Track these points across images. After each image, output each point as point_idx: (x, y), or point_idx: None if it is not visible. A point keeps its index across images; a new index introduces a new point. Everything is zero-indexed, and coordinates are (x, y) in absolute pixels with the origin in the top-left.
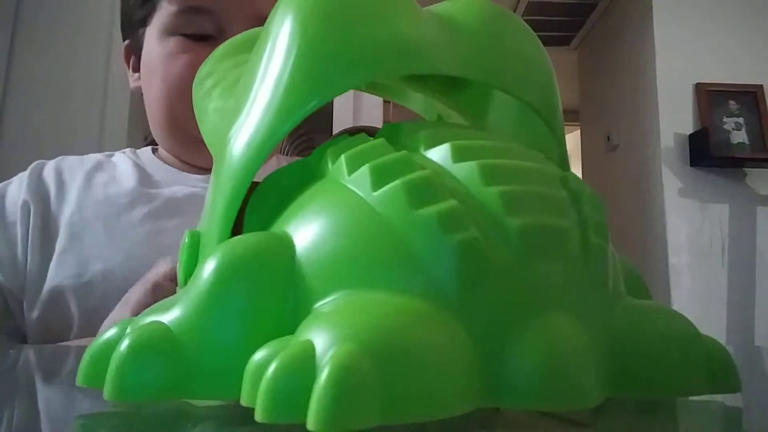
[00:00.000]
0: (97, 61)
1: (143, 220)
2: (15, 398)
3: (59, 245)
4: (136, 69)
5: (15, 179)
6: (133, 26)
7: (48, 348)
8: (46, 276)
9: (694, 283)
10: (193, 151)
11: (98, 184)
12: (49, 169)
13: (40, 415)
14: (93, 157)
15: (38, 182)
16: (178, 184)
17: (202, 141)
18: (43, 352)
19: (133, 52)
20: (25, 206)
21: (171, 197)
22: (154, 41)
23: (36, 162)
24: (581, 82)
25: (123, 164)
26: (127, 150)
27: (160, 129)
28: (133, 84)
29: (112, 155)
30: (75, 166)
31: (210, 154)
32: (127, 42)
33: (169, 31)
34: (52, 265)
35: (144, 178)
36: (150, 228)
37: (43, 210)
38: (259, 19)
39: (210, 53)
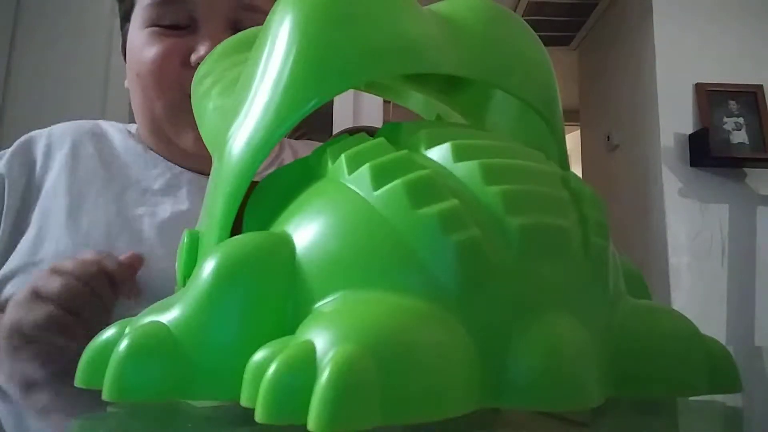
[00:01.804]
0: (97, 60)
1: (109, 203)
2: (14, 398)
3: (32, 221)
4: None
5: (6, 152)
6: (121, 23)
7: (47, 348)
8: (11, 253)
9: (694, 283)
10: (174, 153)
11: (84, 156)
12: (41, 137)
13: (39, 416)
14: (85, 126)
15: (22, 155)
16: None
17: (178, 142)
18: (43, 353)
19: (125, 49)
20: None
21: (147, 187)
22: (133, 36)
23: (26, 135)
24: (581, 82)
25: (114, 137)
26: (132, 126)
27: (142, 126)
28: (126, 83)
29: (105, 127)
30: (66, 133)
31: (192, 156)
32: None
33: (144, 23)
34: (22, 241)
35: (126, 157)
36: (113, 212)
37: (25, 183)
38: (232, 8)
39: (181, 42)
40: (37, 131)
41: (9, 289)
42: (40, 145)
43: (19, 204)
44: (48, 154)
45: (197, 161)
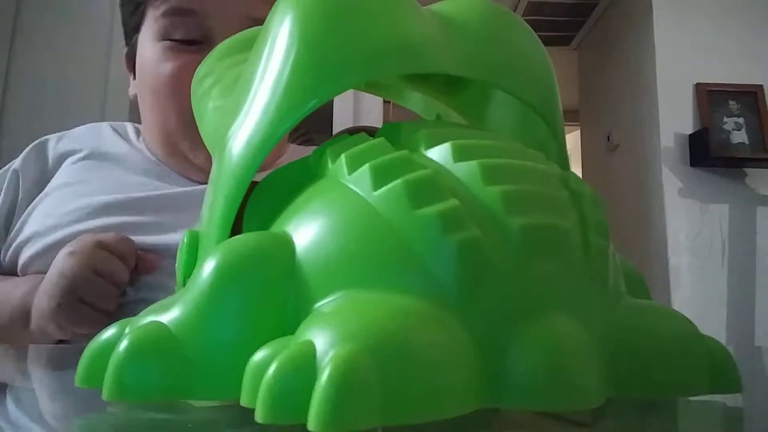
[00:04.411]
0: (97, 62)
1: (109, 188)
2: (14, 398)
3: (32, 206)
4: (135, 77)
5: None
6: (129, 33)
7: (47, 348)
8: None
9: (694, 283)
10: (184, 165)
11: (94, 158)
12: (53, 139)
13: (39, 416)
14: (93, 132)
15: (36, 152)
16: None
17: (192, 158)
18: (43, 352)
19: (131, 60)
20: (14, 174)
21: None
22: (144, 48)
23: (40, 139)
24: (581, 82)
25: (124, 146)
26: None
27: (152, 140)
28: (131, 92)
29: (122, 130)
30: (79, 138)
31: (200, 167)
32: (126, 50)
33: (157, 36)
34: (34, 216)
35: (135, 165)
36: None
37: (39, 174)
38: (247, 20)
39: (197, 59)
40: (50, 135)
41: (25, 252)
42: (52, 145)
43: (33, 188)
44: (59, 156)
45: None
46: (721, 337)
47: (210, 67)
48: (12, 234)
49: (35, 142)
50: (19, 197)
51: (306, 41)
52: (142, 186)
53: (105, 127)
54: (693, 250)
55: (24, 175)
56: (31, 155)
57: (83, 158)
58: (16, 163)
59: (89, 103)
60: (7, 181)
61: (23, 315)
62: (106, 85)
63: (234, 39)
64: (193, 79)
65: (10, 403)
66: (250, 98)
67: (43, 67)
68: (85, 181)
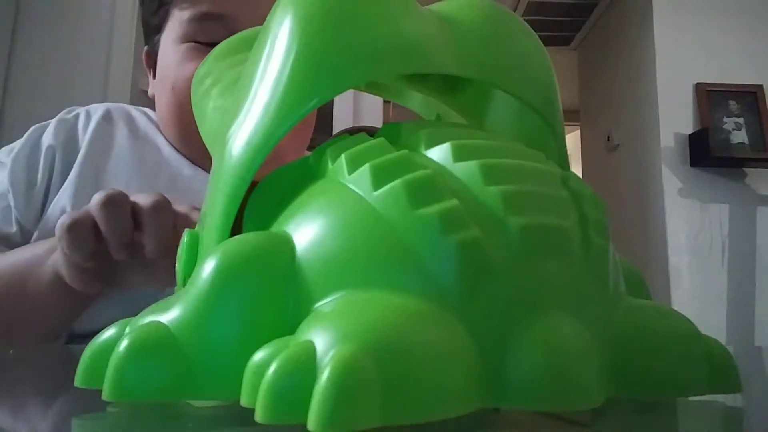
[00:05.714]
0: (97, 61)
1: (142, 187)
2: (14, 398)
3: (70, 179)
4: (155, 76)
5: (51, 123)
6: (149, 32)
7: (47, 348)
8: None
9: (694, 283)
10: (204, 161)
11: (116, 133)
12: (81, 110)
13: (39, 416)
14: (115, 105)
15: (67, 127)
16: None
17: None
18: (43, 352)
19: (151, 59)
20: (50, 151)
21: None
22: (167, 48)
23: (67, 109)
24: (581, 82)
25: (143, 123)
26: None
27: (171, 136)
28: (150, 90)
29: (148, 117)
30: (99, 107)
31: None
32: (146, 48)
33: (182, 38)
34: (60, 196)
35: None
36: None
37: (69, 153)
38: None
39: None
40: (75, 109)
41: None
42: (81, 121)
43: (65, 164)
44: (91, 133)
45: None
46: (721, 337)
47: (210, 67)
48: (47, 212)
49: (61, 116)
50: (53, 175)
51: (306, 41)
52: (190, 182)
53: (133, 110)
54: (693, 250)
55: (58, 152)
56: (61, 130)
57: (120, 142)
58: (48, 138)
59: (89, 101)
60: (42, 159)
61: (48, 254)
62: (106, 85)
63: (234, 39)
64: (193, 79)
65: (10, 403)
66: (250, 98)
67: (43, 66)
68: (139, 163)
